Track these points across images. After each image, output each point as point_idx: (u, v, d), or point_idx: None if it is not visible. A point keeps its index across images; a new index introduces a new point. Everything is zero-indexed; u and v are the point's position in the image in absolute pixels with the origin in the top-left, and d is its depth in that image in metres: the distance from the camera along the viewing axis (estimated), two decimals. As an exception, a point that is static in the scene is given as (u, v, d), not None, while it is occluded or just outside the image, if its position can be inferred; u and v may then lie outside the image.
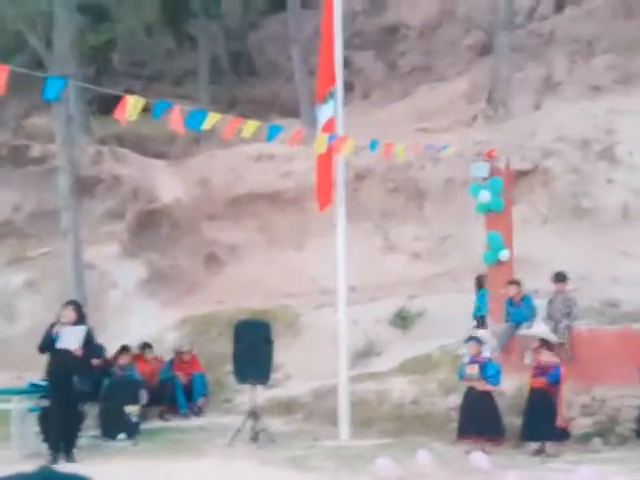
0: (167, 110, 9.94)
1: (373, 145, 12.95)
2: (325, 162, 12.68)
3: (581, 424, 11.60)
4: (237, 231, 18.92)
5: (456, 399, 12.07)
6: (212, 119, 10.35)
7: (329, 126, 12.54)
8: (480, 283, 14.11)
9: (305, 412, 13.94)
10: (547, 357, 11.28)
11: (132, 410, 12.88)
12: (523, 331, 12.05)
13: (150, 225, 18.89)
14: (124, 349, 14.06)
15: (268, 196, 18.90)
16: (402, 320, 15.38)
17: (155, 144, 21.09)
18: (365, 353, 14.95)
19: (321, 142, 11.90)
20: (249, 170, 19.38)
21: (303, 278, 17.31)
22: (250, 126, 10.98)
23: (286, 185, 18.78)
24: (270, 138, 11.68)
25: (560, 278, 12.73)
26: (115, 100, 9.68)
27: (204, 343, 16.25)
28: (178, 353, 15.42)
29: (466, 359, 11.86)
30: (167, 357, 15.51)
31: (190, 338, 16.16)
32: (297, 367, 15.07)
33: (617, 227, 16.38)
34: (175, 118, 9.89)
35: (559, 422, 11.00)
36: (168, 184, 19.39)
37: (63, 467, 9.15)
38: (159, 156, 20.72)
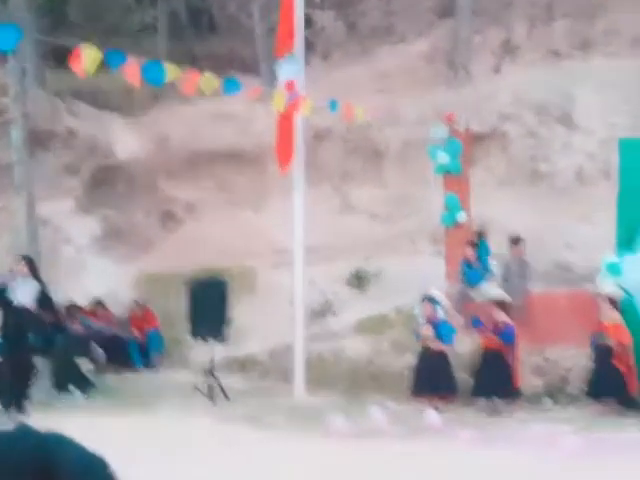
0: (124, 63, 9.77)
1: (333, 105, 12.89)
2: (285, 122, 12.60)
3: (533, 384, 11.80)
4: (195, 190, 18.78)
5: (410, 358, 12.19)
6: (170, 72, 10.19)
7: (289, 87, 12.44)
8: (479, 237, 13.98)
9: (261, 370, 14.00)
10: (501, 318, 11.43)
11: (86, 365, 12.84)
12: (478, 292, 12.17)
13: (105, 181, 18.67)
14: (73, 307, 14.01)
15: (227, 155, 18.75)
16: (359, 280, 15.45)
17: (112, 99, 20.75)
18: (321, 313, 15.02)
19: (279, 99, 11.83)
20: (208, 128, 19.19)
21: (261, 238, 17.26)
22: (208, 80, 10.83)
23: (246, 144, 18.63)
24: (227, 91, 11.53)
25: (516, 241, 12.88)
26: (71, 53, 9.48)
27: (160, 300, 16.17)
28: (132, 309, 15.37)
29: (421, 319, 11.96)
30: (121, 314, 15.45)
31: (145, 295, 16.07)
32: (253, 326, 15.09)
33: (572, 192, 16.54)
34: (132, 71, 9.72)
35: (516, 382, 11.19)
36: (125, 140, 19.15)
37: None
38: (116, 111, 20.42)
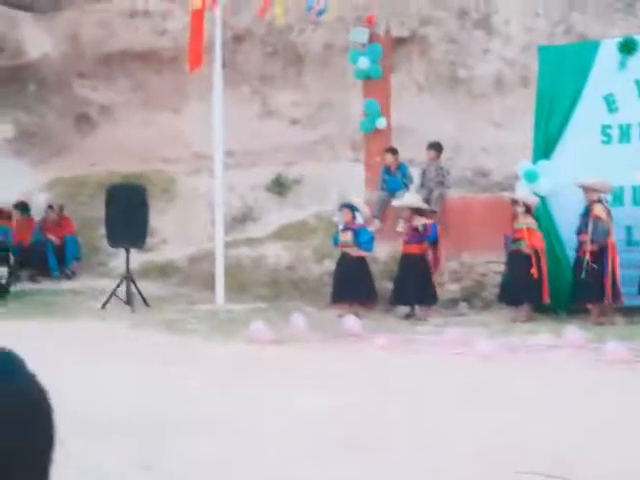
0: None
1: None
2: (197, 20, 12.31)
3: (450, 289, 12.06)
4: (110, 91, 18.26)
5: (330, 265, 12.30)
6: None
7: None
8: None
9: (180, 277, 13.96)
10: (421, 221, 11.52)
11: (0, 272, 12.62)
12: (397, 200, 12.24)
13: (16, 82, 17.99)
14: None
15: (142, 55, 18.20)
16: (279, 186, 15.40)
17: (22, -4, 19.87)
18: (242, 219, 14.97)
19: (197, -3, 11.59)
20: (122, 26, 18.55)
21: (179, 142, 16.96)
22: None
23: (162, 44, 18.10)
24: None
25: (434, 147, 12.91)
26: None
27: (76, 206, 15.89)
28: (47, 214, 15.05)
29: (340, 226, 12.02)
30: (37, 219, 15.15)
31: (61, 200, 15.75)
32: (173, 232, 14.98)
33: (490, 97, 16.62)
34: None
35: (434, 288, 11.41)
36: (36, 38, 18.39)
37: None
38: (26, 8, 19.55)
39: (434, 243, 11.46)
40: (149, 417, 6.07)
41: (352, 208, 11.83)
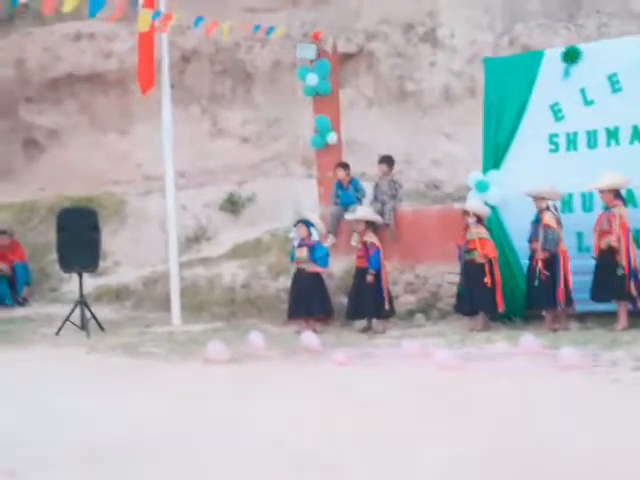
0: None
1: (198, 22, 12.65)
2: (146, 42, 12.25)
3: (405, 301, 12.12)
4: (57, 115, 18.11)
5: (286, 281, 12.29)
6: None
7: (150, 2, 12.05)
8: None
9: (135, 299, 13.84)
10: (371, 239, 11.59)
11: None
12: (350, 214, 12.27)
13: (-39, 108, 17.79)
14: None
15: (89, 77, 18.09)
16: (232, 205, 15.39)
17: (-37, 21, 19.65)
18: (195, 239, 14.92)
19: (144, 19, 11.50)
20: (67, 50, 18.44)
21: (129, 164, 16.87)
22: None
23: (108, 66, 18.00)
24: (92, 13, 11.09)
25: (386, 161, 12.97)
26: None
27: (25, 232, 15.71)
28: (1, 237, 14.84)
29: (296, 242, 12.02)
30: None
31: (10, 227, 15.54)
32: (126, 254, 14.86)
33: (439, 109, 16.78)
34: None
35: (389, 301, 11.43)
36: (-21, 64, 18.22)
37: None
38: (-32, 34, 19.37)
39: (375, 269, 11.40)
40: (109, 443, 5.99)
41: (308, 224, 11.83)
